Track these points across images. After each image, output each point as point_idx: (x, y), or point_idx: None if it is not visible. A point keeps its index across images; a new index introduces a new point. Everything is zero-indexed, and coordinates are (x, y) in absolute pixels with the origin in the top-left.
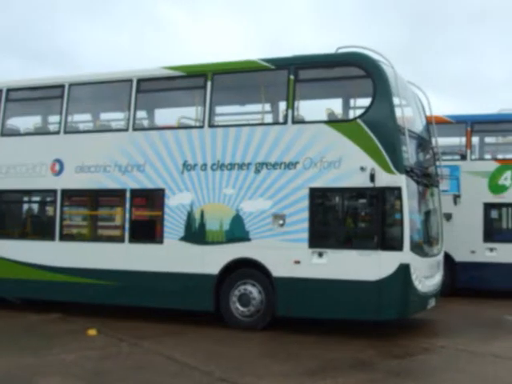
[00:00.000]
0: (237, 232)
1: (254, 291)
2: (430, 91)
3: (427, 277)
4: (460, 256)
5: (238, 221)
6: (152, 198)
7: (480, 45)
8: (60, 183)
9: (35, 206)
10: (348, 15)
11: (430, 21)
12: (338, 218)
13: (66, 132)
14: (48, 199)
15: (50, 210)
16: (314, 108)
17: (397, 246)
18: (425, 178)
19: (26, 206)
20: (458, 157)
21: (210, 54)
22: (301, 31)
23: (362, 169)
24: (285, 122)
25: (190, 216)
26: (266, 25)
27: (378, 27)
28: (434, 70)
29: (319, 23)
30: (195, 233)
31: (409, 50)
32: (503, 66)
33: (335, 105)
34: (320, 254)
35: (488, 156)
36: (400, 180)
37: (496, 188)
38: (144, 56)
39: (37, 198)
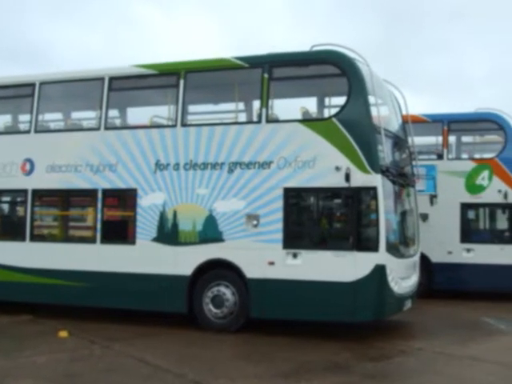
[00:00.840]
0: (210, 233)
1: (227, 292)
2: (406, 90)
3: (403, 278)
4: (436, 257)
5: (211, 221)
6: (124, 198)
7: (458, 43)
8: (31, 183)
9: (5, 207)
10: (323, 13)
11: (407, 19)
12: (313, 218)
13: (36, 131)
14: (18, 199)
15: (20, 210)
16: (288, 107)
17: (372, 246)
18: (401, 178)
19: None
20: (434, 156)
21: (184, 53)
22: (275, 29)
23: (337, 168)
24: (259, 121)
25: (162, 216)
26: (241, 23)
27: (354, 25)
28: (411, 69)
29: (294, 21)
30: (168, 233)
31: (385, 48)
32: (481, 64)
33: (310, 103)
34: (294, 255)
35: (465, 155)
36: (375, 180)
37: (473, 188)
38: (118, 55)
39: (7, 198)
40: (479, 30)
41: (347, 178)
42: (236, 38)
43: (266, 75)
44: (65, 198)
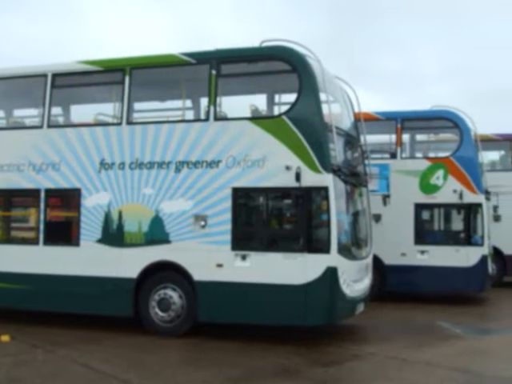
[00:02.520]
0: (156, 234)
1: (174, 296)
2: (359, 87)
3: (355, 281)
4: (390, 259)
5: (157, 222)
6: (68, 199)
7: (410, 39)
8: None
9: None
10: (273, 7)
11: (359, 13)
12: (263, 219)
13: None
14: None
15: None
16: (237, 104)
17: (324, 248)
18: (353, 178)
19: None
20: (387, 155)
21: (131, 49)
22: (224, 24)
23: (288, 168)
24: (207, 119)
25: (107, 217)
26: (189, 18)
27: (304, 20)
28: (363, 65)
29: (243, 16)
30: (113, 235)
31: (336, 44)
32: (436, 60)
33: (259, 101)
34: (243, 257)
35: (419, 154)
36: (327, 179)
37: (427, 188)
38: (62, 50)
39: None
40: (433, 26)
41: (298, 177)
42: (184, 34)
43: (213, 72)
44: (7, 198)
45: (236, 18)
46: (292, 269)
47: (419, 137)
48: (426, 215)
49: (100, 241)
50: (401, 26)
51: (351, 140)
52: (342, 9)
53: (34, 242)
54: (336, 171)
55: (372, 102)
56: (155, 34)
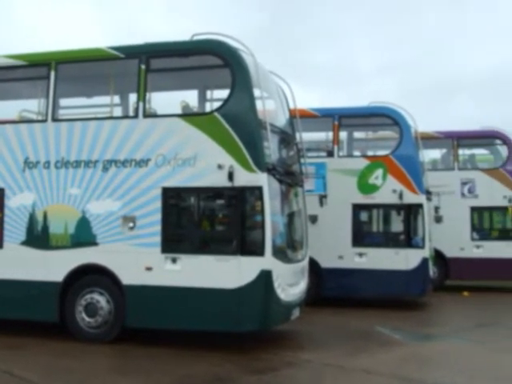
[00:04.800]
0: (83, 236)
1: (101, 300)
2: (295, 83)
3: (291, 284)
4: (326, 262)
5: (84, 224)
6: None
7: (348, 34)
8: None
9: None
10: (207, 1)
11: (295, 7)
12: (194, 220)
13: None
14: None
15: None
16: (167, 101)
17: (258, 250)
18: (288, 177)
19: None
20: (324, 154)
21: (58, 43)
22: (157, 19)
23: (220, 167)
24: (135, 116)
25: (32, 218)
26: (121, 12)
27: (239, 14)
28: (299, 61)
29: (176, 10)
30: (38, 236)
31: (271, 38)
32: (374, 55)
33: (191, 97)
34: (174, 260)
35: (357, 153)
36: (261, 179)
37: (366, 188)
38: None
39: None
40: (371, 20)
41: (230, 176)
42: (116, 29)
43: (143, 66)
44: None
45: (169, 12)
46: (225, 272)
47: (357, 134)
48: (364, 216)
49: (24, 243)
50: (339, 19)
51: (286, 138)
52: (277, 2)
53: None
54: (270, 170)
55: (309, 99)
56: (85, 29)
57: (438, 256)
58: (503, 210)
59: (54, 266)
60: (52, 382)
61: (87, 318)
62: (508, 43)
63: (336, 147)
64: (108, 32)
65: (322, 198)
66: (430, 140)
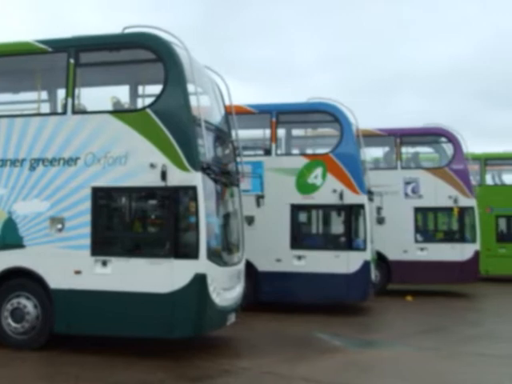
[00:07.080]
0: (8, 238)
1: (28, 305)
2: (231, 78)
3: (226, 289)
4: (263, 265)
5: (9, 225)
6: None
7: (285, 27)
8: None
9: None
10: None
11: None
12: (125, 221)
13: None
14: None
15: None
16: (97, 96)
17: (192, 253)
18: (224, 176)
19: None
20: (261, 152)
21: None
22: (89, 13)
23: (152, 165)
24: (64, 113)
25: None
26: (52, 5)
27: (173, 7)
28: (236, 56)
29: (109, 3)
30: None
31: (205, 31)
32: (315, 49)
33: (122, 93)
34: (104, 263)
35: (296, 151)
36: (195, 178)
37: (305, 187)
38: None
39: None
40: (309, 13)
41: (163, 176)
42: (41, 21)
43: (71, 61)
44: None
45: (102, 5)
46: (157, 276)
47: (296, 132)
48: (303, 217)
49: None
50: (279, 13)
51: (222, 135)
52: None
53: None
54: (205, 169)
55: (246, 94)
56: (12, 22)
57: (380, 259)
58: (448, 210)
59: None
60: None
61: (13, 324)
62: (451, 38)
63: (274, 145)
64: (39, 27)
65: (259, 199)
66: (372, 137)
